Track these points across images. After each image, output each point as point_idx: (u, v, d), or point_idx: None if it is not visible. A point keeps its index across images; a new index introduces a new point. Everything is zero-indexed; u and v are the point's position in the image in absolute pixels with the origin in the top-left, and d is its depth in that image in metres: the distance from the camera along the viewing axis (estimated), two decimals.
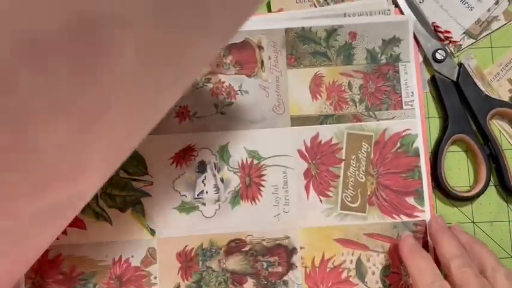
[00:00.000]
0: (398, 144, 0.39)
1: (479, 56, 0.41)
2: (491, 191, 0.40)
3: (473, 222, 0.40)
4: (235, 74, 0.39)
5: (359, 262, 0.38)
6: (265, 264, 0.38)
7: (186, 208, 0.38)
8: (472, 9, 0.41)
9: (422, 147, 0.39)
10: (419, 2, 0.41)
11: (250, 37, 0.40)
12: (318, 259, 0.38)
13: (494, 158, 0.39)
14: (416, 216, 0.38)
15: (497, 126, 0.40)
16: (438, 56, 0.40)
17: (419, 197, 0.39)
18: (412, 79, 0.40)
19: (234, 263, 0.38)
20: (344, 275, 0.38)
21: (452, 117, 0.39)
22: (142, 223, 0.38)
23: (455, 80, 0.40)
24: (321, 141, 0.39)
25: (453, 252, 0.33)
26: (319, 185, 0.39)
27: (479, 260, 0.34)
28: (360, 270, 0.38)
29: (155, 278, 0.38)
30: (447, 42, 0.41)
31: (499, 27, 0.41)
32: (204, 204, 0.38)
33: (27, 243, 0.29)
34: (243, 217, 0.38)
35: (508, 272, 0.32)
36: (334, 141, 0.39)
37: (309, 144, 0.39)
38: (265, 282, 0.38)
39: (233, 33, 0.29)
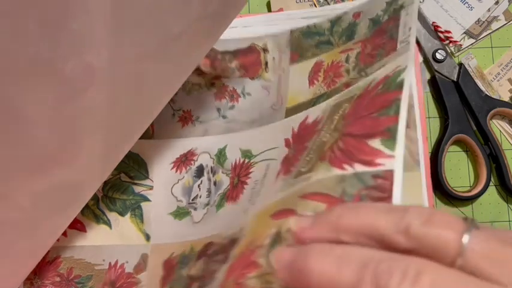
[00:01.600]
0: (380, 86, 0.28)
1: (480, 56, 0.41)
2: (492, 191, 0.40)
3: None
4: (239, 77, 0.39)
5: (277, 236, 0.24)
6: (215, 265, 0.31)
7: (179, 213, 0.37)
8: (472, 9, 0.41)
9: (411, 79, 0.27)
10: (420, 2, 0.41)
11: (256, 42, 0.39)
12: (243, 247, 0.28)
13: (494, 158, 0.39)
14: (379, 165, 0.24)
15: (497, 126, 0.40)
16: (438, 56, 0.40)
17: (390, 138, 0.25)
18: (413, 16, 0.30)
19: (197, 268, 0.33)
20: (253, 257, 0.25)
21: (453, 117, 0.39)
22: (139, 228, 0.37)
23: (455, 80, 0.40)
24: (308, 123, 0.33)
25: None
26: (288, 165, 0.31)
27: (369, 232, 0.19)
28: (274, 247, 0.25)
29: (142, 286, 0.35)
30: (447, 42, 0.41)
31: (499, 27, 0.41)
32: (195, 209, 0.37)
33: (37, 236, 0.29)
34: (223, 219, 0.35)
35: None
36: (319, 117, 0.32)
37: (296, 130, 0.34)
38: (200, 284, 0.31)
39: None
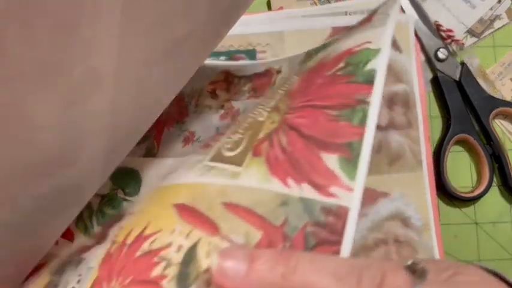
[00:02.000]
0: (342, 64, 0.21)
1: (482, 55, 0.41)
2: (494, 191, 0.39)
3: (476, 223, 0.39)
4: (247, 99, 0.38)
5: (191, 254, 0.19)
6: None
7: None
8: (474, 8, 0.41)
9: (383, 71, 0.20)
10: (422, 0, 0.41)
11: (273, 65, 0.37)
12: (136, 232, 0.21)
13: (496, 158, 0.39)
14: (332, 195, 0.19)
15: (499, 126, 0.40)
16: (440, 55, 0.40)
17: (351, 160, 0.19)
18: None
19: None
20: (157, 271, 0.19)
21: (455, 116, 0.39)
22: None
23: (457, 79, 0.40)
24: None
25: None
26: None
27: None
28: (186, 271, 0.19)
29: None
30: (449, 41, 0.40)
31: (502, 26, 0.41)
32: None
33: (37, 238, 0.29)
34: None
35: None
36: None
37: None
38: (64, 259, 0.25)
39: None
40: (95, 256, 0.22)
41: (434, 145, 0.40)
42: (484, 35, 0.41)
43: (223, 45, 0.40)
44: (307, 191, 0.19)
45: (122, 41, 0.20)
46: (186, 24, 0.23)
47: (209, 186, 0.21)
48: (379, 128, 0.38)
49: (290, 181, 0.19)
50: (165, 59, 0.24)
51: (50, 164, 0.23)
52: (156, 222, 0.21)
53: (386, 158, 0.38)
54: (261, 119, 0.22)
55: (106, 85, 0.21)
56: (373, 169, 0.36)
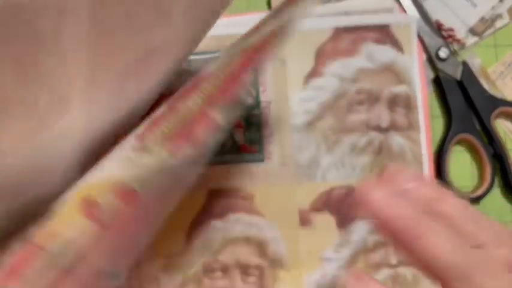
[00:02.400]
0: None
1: (483, 54, 0.40)
2: (496, 191, 0.39)
3: None
4: None
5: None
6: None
7: None
8: (475, 7, 0.41)
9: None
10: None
11: None
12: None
13: (498, 158, 0.39)
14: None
15: (501, 126, 0.40)
16: (441, 54, 0.39)
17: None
18: None
19: None
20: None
21: (456, 116, 0.39)
22: None
23: (458, 78, 0.39)
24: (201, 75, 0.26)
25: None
26: (153, 122, 0.24)
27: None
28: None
29: None
30: (451, 40, 0.40)
31: (504, 25, 0.41)
32: None
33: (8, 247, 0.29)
34: None
35: None
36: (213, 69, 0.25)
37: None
38: None
39: (207, 23, 0.27)
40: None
41: (436, 145, 0.40)
42: (485, 34, 0.41)
43: (224, 44, 0.40)
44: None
45: (91, 61, 0.19)
46: (159, 34, 0.22)
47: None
48: (380, 129, 0.38)
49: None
50: (138, 70, 0.23)
51: (20, 186, 0.22)
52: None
53: (387, 159, 0.37)
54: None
55: (75, 107, 0.21)
56: (373, 171, 0.36)
